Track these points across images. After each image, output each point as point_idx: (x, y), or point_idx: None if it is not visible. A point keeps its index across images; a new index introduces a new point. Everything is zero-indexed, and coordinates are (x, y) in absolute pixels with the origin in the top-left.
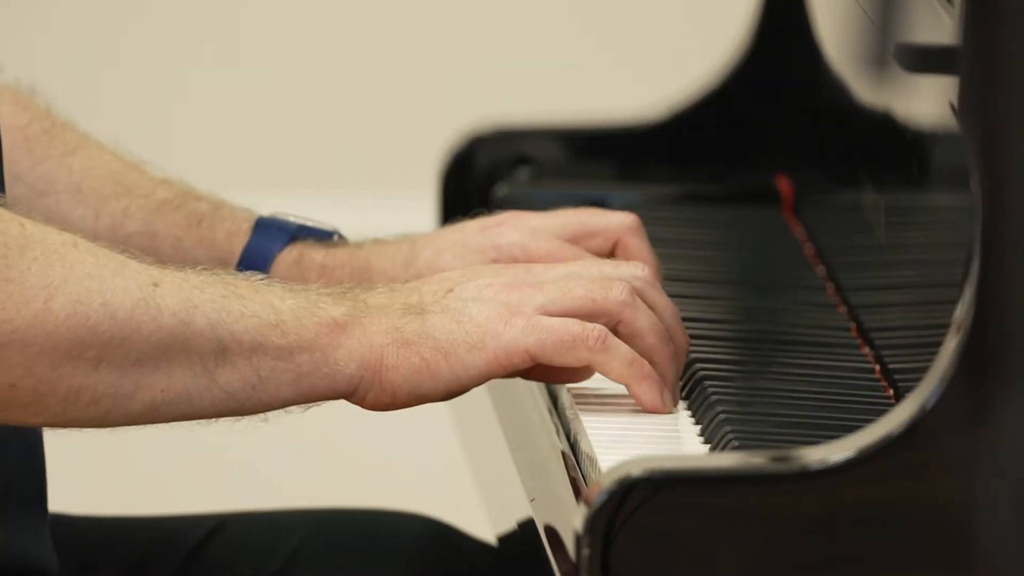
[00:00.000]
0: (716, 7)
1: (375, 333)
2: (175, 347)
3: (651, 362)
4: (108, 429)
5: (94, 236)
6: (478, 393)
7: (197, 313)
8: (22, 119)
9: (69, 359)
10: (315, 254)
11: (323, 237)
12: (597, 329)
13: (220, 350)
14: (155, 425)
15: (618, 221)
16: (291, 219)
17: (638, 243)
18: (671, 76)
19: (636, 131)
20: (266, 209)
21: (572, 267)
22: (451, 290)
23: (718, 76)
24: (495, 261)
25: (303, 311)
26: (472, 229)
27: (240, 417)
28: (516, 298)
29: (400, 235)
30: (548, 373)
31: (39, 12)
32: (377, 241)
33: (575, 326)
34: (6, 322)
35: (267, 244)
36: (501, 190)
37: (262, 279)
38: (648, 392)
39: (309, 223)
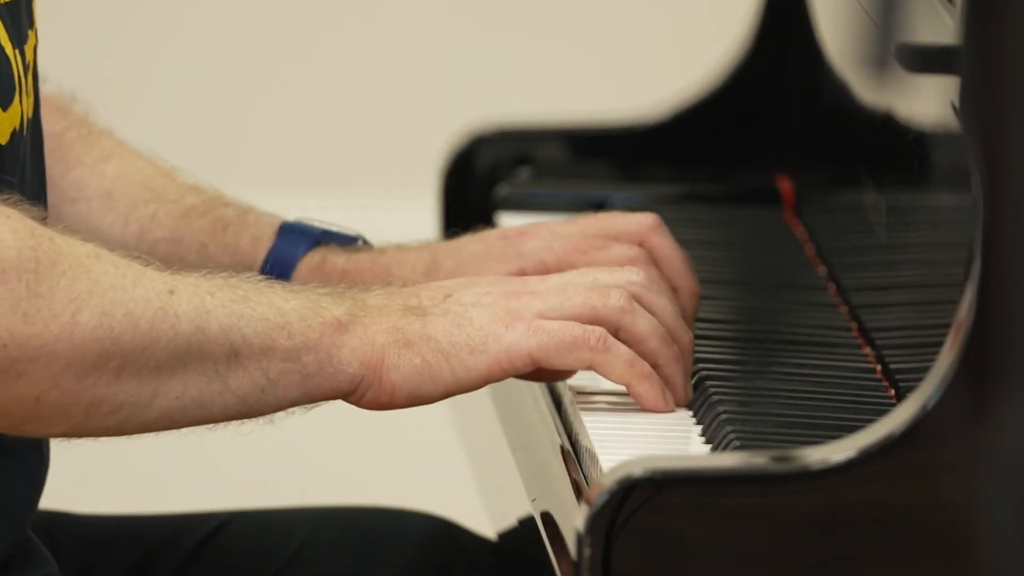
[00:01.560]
0: (717, 7)
1: (376, 332)
2: (191, 353)
3: (655, 365)
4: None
5: (122, 242)
6: (479, 393)
7: (211, 319)
8: (59, 126)
9: (94, 370)
10: (337, 259)
11: (346, 242)
12: (597, 331)
13: (232, 354)
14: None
15: (639, 222)
16: (315, 224)
17: (662, 241)
18: (672, 76)
19: (637, 131)
20: (270, 209)
21: (567, 276)
22: (450, 295)
23: (719, 76)
24: (520, 269)
25: (307, 311)
26: (494, 238)
27: (247, 420)
28: (515, 304)
29: (422, 242)
30: (540, 372)
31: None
32: (399, 247)
33: (576, 328)
34: (35, 336)
35: (290, 249)
36: (502, 190)
37: (262, 280)
38: (649, 392)
39: (333, 228)
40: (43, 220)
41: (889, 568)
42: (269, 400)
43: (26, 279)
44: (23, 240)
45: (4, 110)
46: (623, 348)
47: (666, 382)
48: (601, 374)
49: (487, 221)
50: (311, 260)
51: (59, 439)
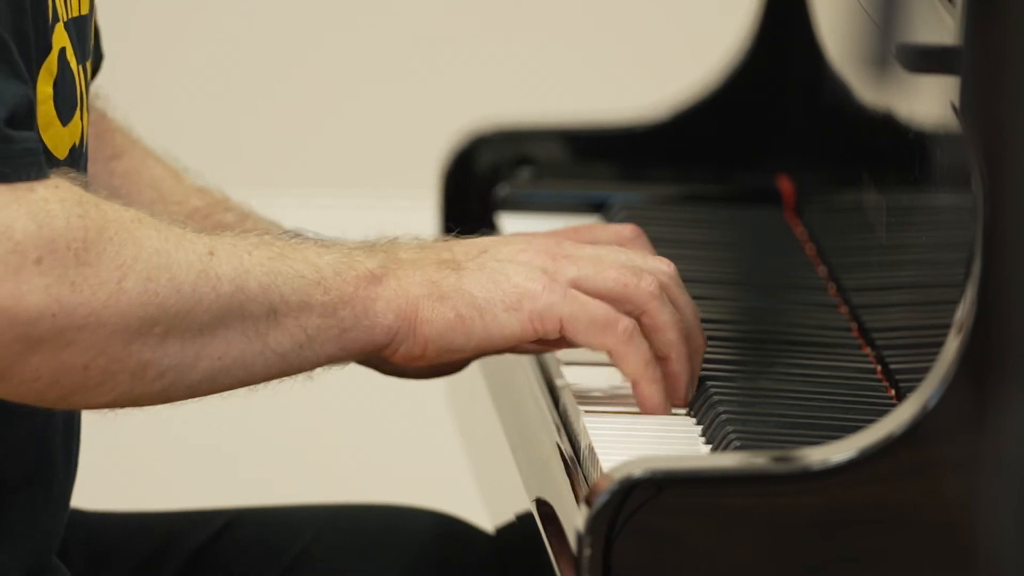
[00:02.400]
0: (718, 7)
1: (411, 284)
2: (231, 313)
3: (667, 358)
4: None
5: None
6: (479, 392)
7: (250, 278)
8: None
9: (139, 335)
10: (352, 243)
11: None
12: (627, 320)
13: (271, 312)
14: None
15: (616, 233)
16: (309, 235)
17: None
18: (673, 76)
19: (638, 131)
20: (271, 209)
21: (603, 249)
22: (485, 251)
23: (720, 76)
24: None
25: (342, 265)
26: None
27: (286, 378)
28: (552, 266)
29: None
30: (557, 342)
31: None
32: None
33: (610, 312)
34: (83, 304)
35: None
36: (502, 190)
37: (295, 237)
38: (655, 395)
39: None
40: (86, 186)
41: (889, 568)
42: (308, 356)
43: (75, 248)
44: (71, 209)
45: (64, 125)
46: (645, 346)
47: (673, 378)
48: (616, 363)
49: (487, 221)
50: None
51: (105, 410)
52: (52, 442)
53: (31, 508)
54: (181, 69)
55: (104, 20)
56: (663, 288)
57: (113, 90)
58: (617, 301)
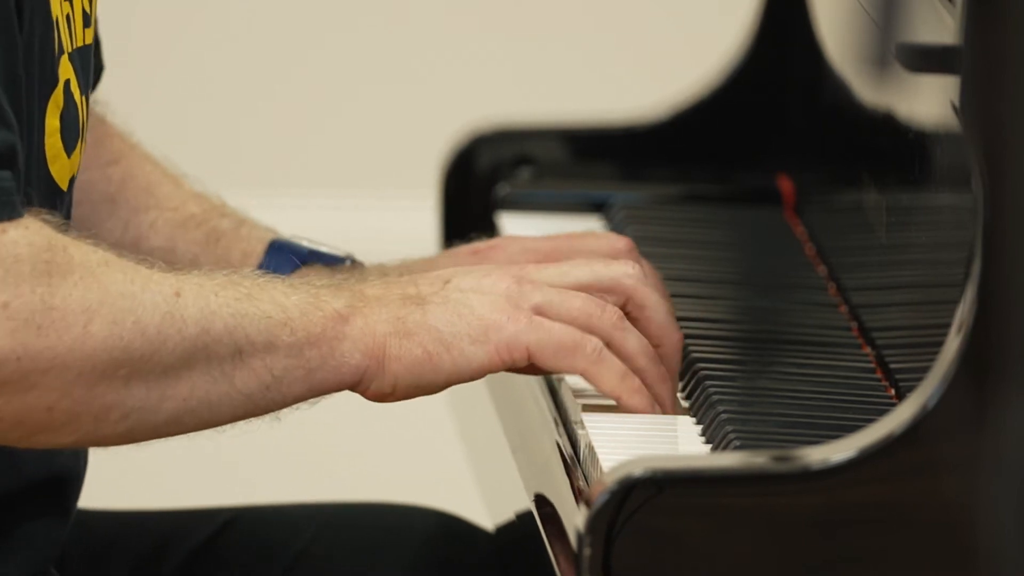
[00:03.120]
0: (718, 7)
1: (376, 322)
2: (197, 355)
3: (643, 381)
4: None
5: (119, 248)
6: (479, 392)
7: (216, 319)
8: None
9: (104, 378)
10: (318, 282)
11: (332, 262)
12: (593, 340)
13: (237, 353)
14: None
15: (610, 245)
16: (304, 243)
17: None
18: (673, 76)
19: (638, 131)
20: (272, 209)
21: (565, 266)
22: (448, 281)
23: (720, 76)
24: None
25: (308, 306)
26: (465, 253)
27: (254, 419)
28: (516, 291)
29: (400, 262)
30: (532, 368)
31: None
32: (379, 267)
33: (575, 334)
34: (48, 348)
35: (277, 269)
36: (503, 190)
37: (261, 276)
38: (639, 405)
39: (323, 248)
40: (60, 227)
41: (890, 568)
42: (275, 397)
43: (40, 292)
44: (38, 253)
45: (68, 156)
46: (616, 361)
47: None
48: (592, 384)
49: (487, 221)
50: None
51: (69, 448)
52: (60, 455)
53: (38, 519)
54: (181, 69)
55: (104, 20)
56: (630, 291)
57: (113, 90)
58: (582, 331)
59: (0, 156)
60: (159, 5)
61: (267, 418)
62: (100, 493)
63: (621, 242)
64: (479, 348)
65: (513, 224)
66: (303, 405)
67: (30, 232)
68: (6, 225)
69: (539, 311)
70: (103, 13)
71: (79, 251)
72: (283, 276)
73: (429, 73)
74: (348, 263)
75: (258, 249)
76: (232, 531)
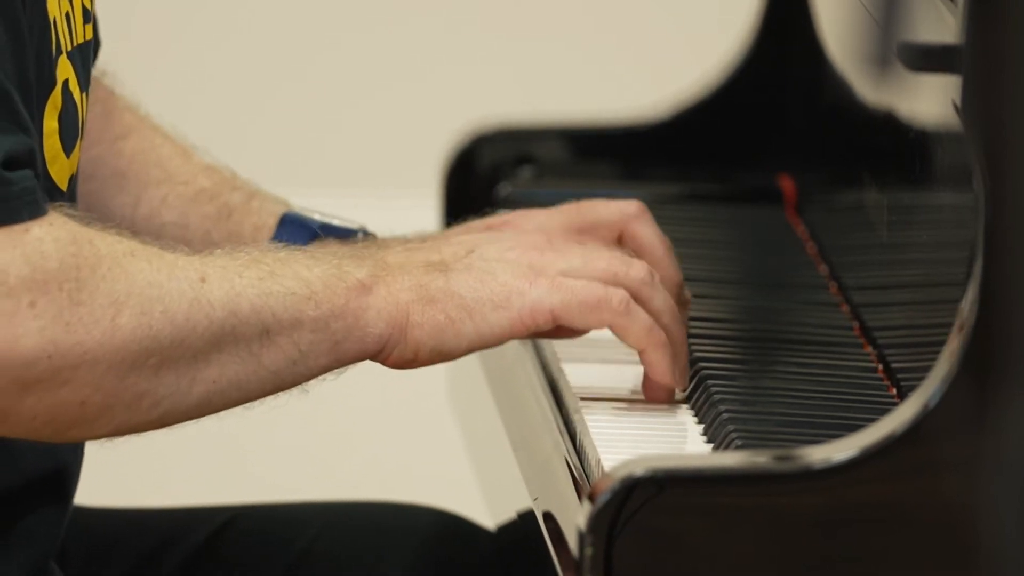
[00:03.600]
0: (719, 6)
1: (400, 290)
2: (225, 338)
3: None
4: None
5: (132, 224)
6: (481, 391)
7: (241, 300)
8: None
9: (134, 369)
10: (340, 251)
11: (345, 235)
12: (620, 292)
13: (264, 332)
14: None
15: (622, 211)
16: (316, 216)
17: (644, 229)
18: (674, 75)
19: (639, 130)
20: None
21: (588, 246)
22: (472, 250)
23: (721, 75)
24: None
25: (331, 278)
26: (477, 228)
27: (282, 393)
28: (539, 261)
29: (418, 234)
30: (560, 331)
31: None
32: (396, 240)
33: (598, 288)
34: (78, 344)
35: (289, 241)
36: (504, 189)
37: (283, 250)
38: (662, 360)
39: (335, 221)
40: (83, 220)
41: (891, 567)
42: (301, 371)
43: (68, 288)
44: (65, 248)
45: (67, 157)
46: (643, 313)
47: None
48: (619, 336)
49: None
50: None
51: (103, 440)
52: (62, 449)
53: (38, 514)
54: (182, 70)
55: (105, 20)
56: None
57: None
58: (608, 284)
59: (20, 157)
60: (161, 4)
61: (294, 391)
62: (102, 491)
63: (632, 206)
64: (502, 314)
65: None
66: (329, 376)
67: (55, 228)
68: (30, 224)
69: (564, 276)
70: (104, 12)
71: (105, 243)
72: (304, 247)
73: (430, 73)
74: (360, 236)
75: (270, 223)
76: (234, 530)
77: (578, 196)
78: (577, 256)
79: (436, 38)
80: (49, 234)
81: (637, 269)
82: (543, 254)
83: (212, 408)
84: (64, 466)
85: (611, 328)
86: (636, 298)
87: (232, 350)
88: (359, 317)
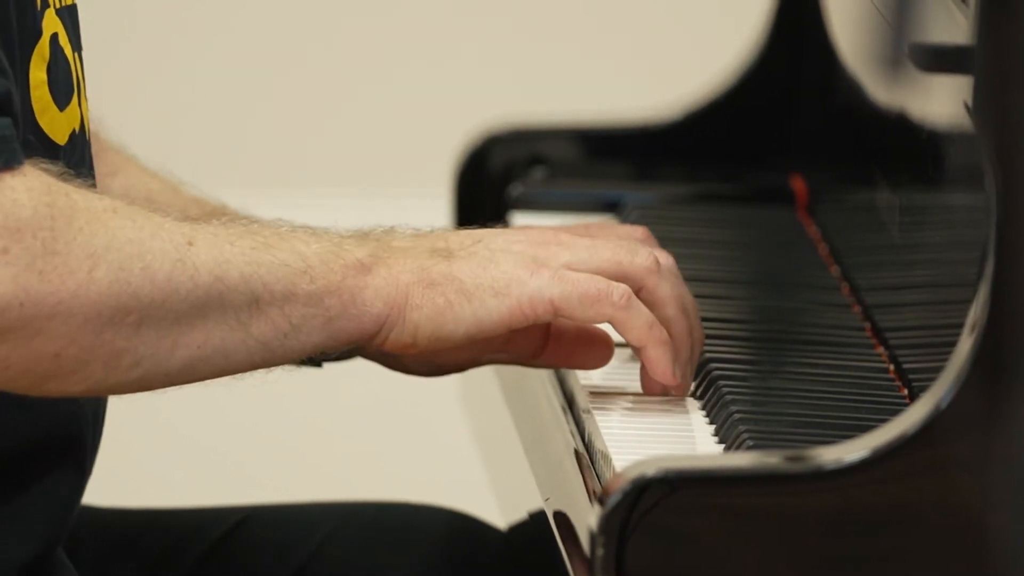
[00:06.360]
0: (731, 7)
1: (400, 272)
2: (211, 303)
3: (668, 333)
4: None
5: None
6: (492, 391)
7: (230, 267)
8: None
9: (111, 325)
10: (344, 232)
11: None
12: (621, 287)
13: (253, 302)
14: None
15: (626, 234)
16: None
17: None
18: (686, 76)
19: (651, 131)
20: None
21: (599, 240)
22: (479, 240)
23: (732, 76)
24: None
25: (329, 254)
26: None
27: (272, 368)
28: (543, 253)
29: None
30: (561, 353)
31: None
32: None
33: (600, 282)
34: (51, 294)
35: None
36: (516, 189)
37: (284, 226)
38: (662, 358)
39: None
40: (61, 175)
41: (902, 567)
42: (292, 345)
43: (42, 236)
44: (38, 197)
45: (61, 110)
46: (644, 309)
47: (674, 352)
48: (618, 331)
49: (501, 220)
50: None
51: (83, 397)
52: (82, 418)
53: (55, 475)
54: (191, 69)
55: (105, 19)
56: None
57: (115, 90)
58: (614, 279)
59: None
60: (162, 4)
61: (309, 371)
62: (114, 491)
63: (638, 232)
64: (501, 301)
65: (526, 224)
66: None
67: (28, 179)
68: (3, 174)
69: (570, 268)
70: (104, 10)
71: (83, 197)
72: (308, 225)
73: (442, 73)
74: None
75: None
76: (245, 530)
77: (590, 196)
78: (583, 249)
79: (448, 39)
80: (22, 183)
81: (643, 257)
82: (548, 247)
83: (197, 374)
84: (81, 434)
85: (611, 322)
86: (642, 287)
87: (219, 317)
88: (355, 295)
